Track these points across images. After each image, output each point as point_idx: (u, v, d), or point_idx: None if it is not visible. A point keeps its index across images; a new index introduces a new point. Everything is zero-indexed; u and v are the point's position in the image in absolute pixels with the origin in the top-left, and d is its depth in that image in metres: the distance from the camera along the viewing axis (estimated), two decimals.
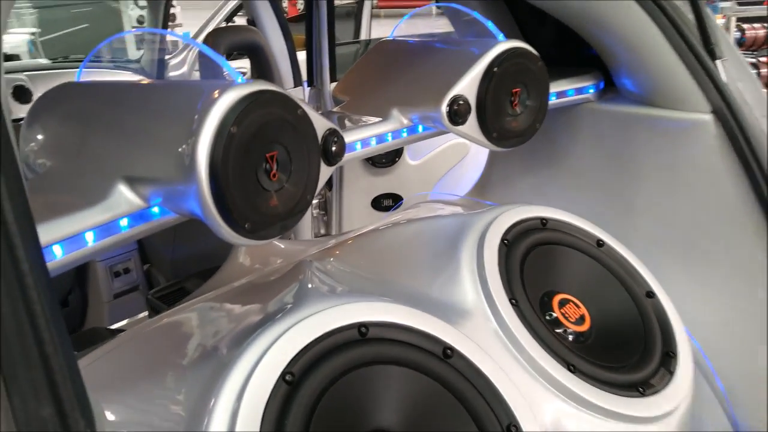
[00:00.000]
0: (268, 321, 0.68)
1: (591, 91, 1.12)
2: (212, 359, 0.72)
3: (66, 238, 0.49)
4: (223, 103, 0.55)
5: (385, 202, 2.13)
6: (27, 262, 0.29)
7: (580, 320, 0.88)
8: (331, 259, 0.96)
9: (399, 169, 2.10)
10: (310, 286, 0.82)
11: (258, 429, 0.56)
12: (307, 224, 1.97)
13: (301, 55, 2.15)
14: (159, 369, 0.76)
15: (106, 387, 0.67)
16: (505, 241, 0.90)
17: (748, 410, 1.02)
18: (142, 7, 4.03)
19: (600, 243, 1.00)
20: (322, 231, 2.22)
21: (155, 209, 0.57)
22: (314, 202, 2.16)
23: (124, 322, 1.39)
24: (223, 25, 3.12)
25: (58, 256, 0.48)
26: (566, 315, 0.88)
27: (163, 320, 0.88)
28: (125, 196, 0.55)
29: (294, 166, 0.62)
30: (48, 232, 0.48)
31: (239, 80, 0.58)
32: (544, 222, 0.98)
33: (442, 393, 0.69)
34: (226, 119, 0.54)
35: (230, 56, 3.18)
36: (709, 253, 1.06)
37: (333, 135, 0.68)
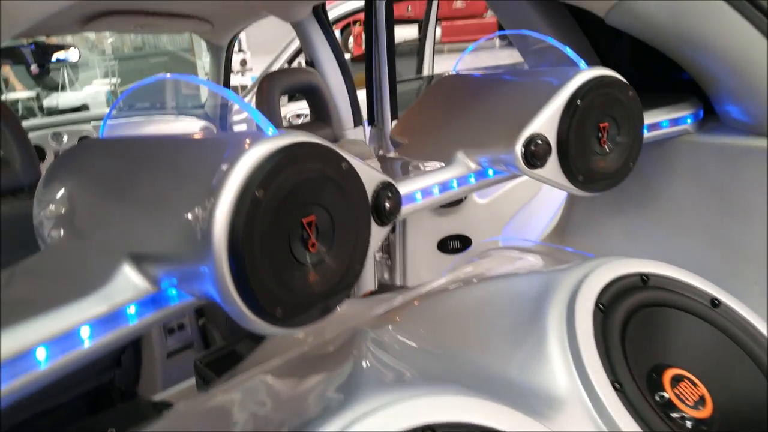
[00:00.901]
0: (320, 415, 0.56)
1: (689, 121, 0.95)
2: None
3: (53, 338, 0.39)
4: (247, 161, 0.44)
5: (452, 244, 1.99)
6: None
7: (700, 402, 0.71)
8: (390, 326, 0.83)
9: (466, 209, 1.96)
10: (365, 365, 0.69)
11: None
12: (369, 271, 1.86)
13: (362, 95, 2.09)
14: None
15: None
16: (601, 306, 0.74)
17: None
18: None
19: (715, 302, 0.82)
20: (386, 276, 2.10)
21: (167, 295, 0.47)
22: None
23: (173, 390, 1.31)
24: (285, 67, 3.13)
25: (41, 361, 0.39)
26: (681, 396, 0.71)
27: (209, 401, 0.78)
28: (131, 279, 0.45)
29: (338, 232, 0.50)
30: (29, 331, 0.39)
31: (270, 132, 0.47)
32: (645, 278, 0.81)
33: None
34: (250, 181, 0.44)
35: (291, 98, 3.18)
36: None
37: (387, 189, 0.56)
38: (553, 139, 0.73)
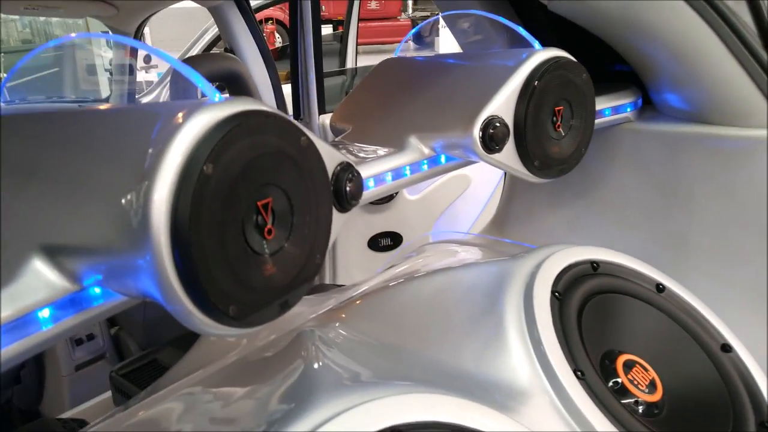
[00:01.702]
0: (270, 428, 0.49)
1: (629, 109, 0.96)
2: None
3: None
4: (192, 129, 0.37)
5: (384, 242, 1.95)
6: None
7: (651, 386, 0.71)
8: (337, 325, 0.77)
9: (397, 206, 1.93)
10: (316, 366, 0.63)
11: None
12: None
13: (286, 89, 2.00)
14: None
15: None
16: (557, 294, 0.73)
17: None
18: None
19: (660, 288, 0.82)
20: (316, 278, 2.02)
21: (92, 293, 0.38)
22: None
23: (85, 407, 1.16)
24: None
25: None
26: (634, 381, 0.70)
27: (131, 419, 0.68)
28: (43, 275, 0.36)
29: (297, 218, 0.44)
30: None
31: (217, 98, 0.40)
32: (595, 265, 0.80)
33: None
34: (196, 153, 0.36)
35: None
36: None
37: (347, 171, 0.50)
38: (510, 122, 0.69)
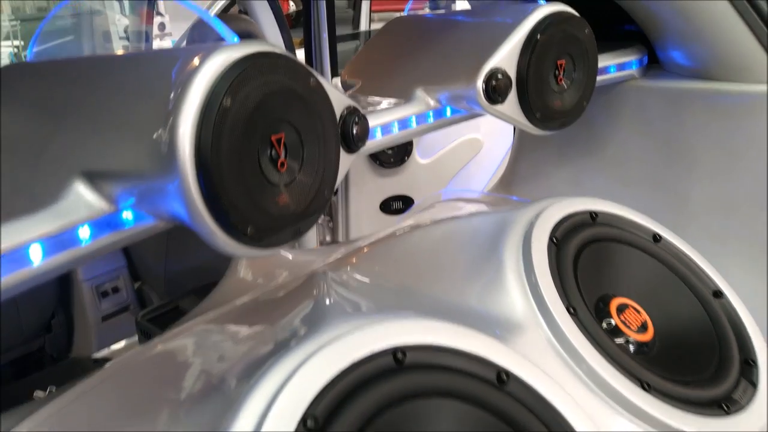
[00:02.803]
0: (281, 349, 0.54)
1: (635, 66, 0.98)
2: (216, 396, 0.57)
3: (2, 253, 0.35)
4: (212, 66, 0.41)
5: (395, 205, 1.99)
6: None
7: (643, 328, 0.75)
8: (348, 268, 0.82)
9: (409, 169, 1.96)
10: (327, 302, 0.68)
11: None
12: (312, 231, 1.83)
13: (299, 54, 2.02)
14: (150, 409, 0.62)
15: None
16: (554, 240, 0.76)
17: None
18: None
19: (657, 237, 0.86)
20: (328, 238, 2.08)
21: (127, 214, 0.43)
22: None
23: (112, 349, 1.24)
24: None
25: None
26: (626, 322, 0.75)
27: (154, 348, 0.74)
28: (84, 197, 0.41)
29: (307, 152, 0.48)
30: None
31: (235, 41, 0.44)
32: (594, 216, 0.84)
33: (499, 428, 0.55)
34: (216, 88, 0.40)
35: None
36: None
37: (354, 114, 0.54)
38: (513, 74, 0.72)
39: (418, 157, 1.97)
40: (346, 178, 1.94)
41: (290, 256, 0.96)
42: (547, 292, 0.69)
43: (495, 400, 0.56)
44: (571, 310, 0.69)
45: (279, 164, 0.46)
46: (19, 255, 0.37)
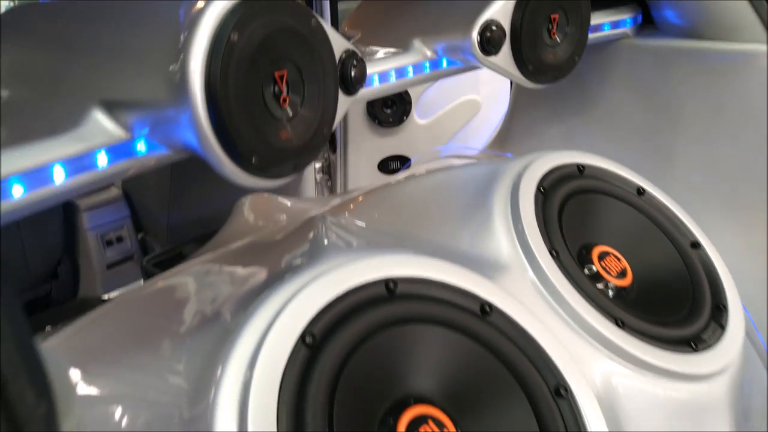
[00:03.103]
0: (281, 279, 0.59)
1: (628, 24, 1.00)
2: (217, 323, 0.62)
3: (28, 171, 0.39)
4: (220, 4, 0.44)
5: (393, 165, 2.02)
6: None
7: (622, 274, 0.80)
8: (346, 214, 0.86)
9: (407, 129, 1.98)
10: (325, 241, 0.72)
11: (276, 399, 0.47)
12: (311, 185, 1.87)
13: None
14: (154, 337, 0.66)
15: (90, 359, 0.57)
16: (542, 189, 0.80)
17: None
18: None
19: (641, 191, 0.90)
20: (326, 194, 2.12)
21: (141, 145, 0.46)
22: (317, 166, 2.05)
23: (117, 292, 1.29)
24: None
25: (16, 195, 0.38)
26: (607, 268, 0.79)
27: (157, 284, 0.78)
28: (102, 124, 0.45)
29: (308, 90, 0.51)
30: (3, 164, 0.38)
31: None
32: (581, 169, 0.88)
33: (481, 354, 0.60)
34: (224, 23, 0.43)
35: None
36: (755, 203, 0.97)
37: (352, 57, 0.57)
38: (507, 27, 0.75)
39: (416, 118, 1.99)
40: (345, 137, 1.96)
41: (289, 204, 1.00)
42: (531, 236, 0.73)
43: (478, 330, 0.61)
44: (554, 253, 0.74)
45: (281, 100, 0.49)
46: (44, 173, 0.40)
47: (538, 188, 0.80)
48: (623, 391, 0.68)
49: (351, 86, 0.57)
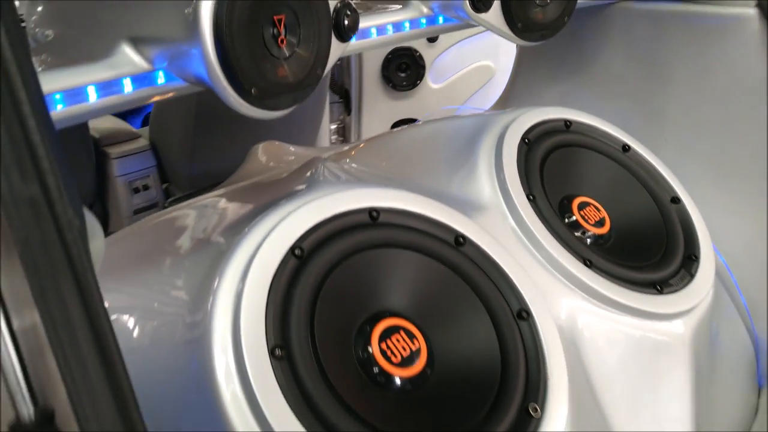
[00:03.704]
0: (276, 205, 0.67)
1: None
2: (215, 245, 0.71)
3: (67, 89, 0.48)
4: None
5: None
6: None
7: (600, 223, 0.86)
8: (346, 159, 0.94)
9: (420, 93, 2.05)
10: (321, 178, 0.80)
11: (265, 299, 0.56)
12: (325, 142, 1.95)
13: None
14: (159, 257, 0.76)
15: (105, 277, 0.67)
16: (526, 140, 0.87)
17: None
18: None
19: (626, 148, 0.96)
20: None
21: (161, 76, 0.55)
22: (332, 127, 2.13)
23: None
24: None
25: (57, 108, 0.47)
26: (586, 217, 0.86)
27: (169, 214, 0.88)
28: (129, 56, 0.54)
29: (303, 33, 0.59)
30: (48, 83, 0.47)
31: None
32: (568, 124, 0.94)
33: (452, 279, 0.68)
34: None
35: None
36: (740, 164, 1.02)
37: (346, 7, 0.64)
38: None
39: (430, 82, 2.05)
40: (360, 99, 2.04)
41: (297, 149, 1.08)
42: (511, 181, 0.80)
43: (452, 258, 0.69)
44: (531, 197, 0.81)
45: (279, 41, 0.57)
46: (80, 93, 0.49)
47: (522, 139, 0.87)
48: (586, 325, 0.76)
49: (344, 33, 0.65)
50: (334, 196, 0.66)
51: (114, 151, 1.56)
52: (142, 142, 1.61)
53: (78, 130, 1.38)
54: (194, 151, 1.55)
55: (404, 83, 2.01)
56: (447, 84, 2.07)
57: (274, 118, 0.59)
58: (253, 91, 0.55)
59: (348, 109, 2.09)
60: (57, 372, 0.24)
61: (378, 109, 2.05)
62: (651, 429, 0.74)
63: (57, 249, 0.25)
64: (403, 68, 1.99)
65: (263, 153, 1.09)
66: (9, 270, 0.25)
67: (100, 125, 1.61)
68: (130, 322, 0.68)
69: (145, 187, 1.59)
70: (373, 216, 0.67)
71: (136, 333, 0.67)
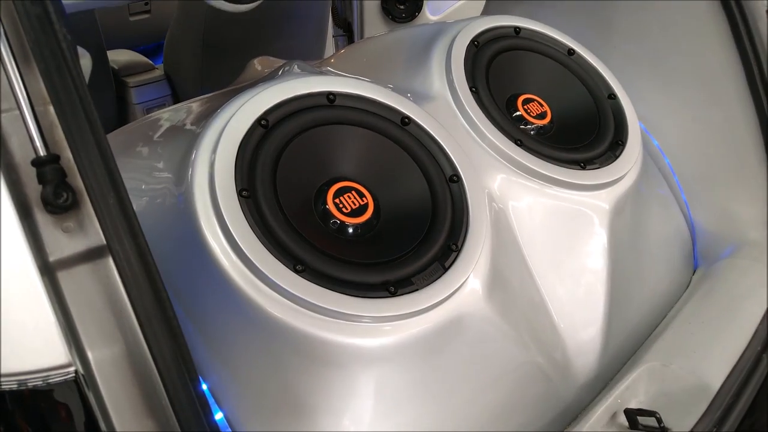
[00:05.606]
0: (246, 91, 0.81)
1: None
2: (192, 129, 0.85)
3: None
4: None
5: None
6: None
7: (541, 116, 0.98)
8: (318, 63, 1.08)
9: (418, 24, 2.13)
10: (288, 74, 0.94)
11: (234, 155, 0.70)
12: None
13: None
14: (147, 148, 0.91)
15: None
16: (476, 43, 0.99)
17: (702, 207, 1.12)
18: None
19: (571, 52, 1.07)
20: None
21: None
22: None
23: None
24: None
25: None
26: (529, 111, 0.98)
27: (156, 115, 1.03)
28: None
29: None
30: None
31: None
32: (517, 30, 1.05)
33: (397, 152, 0.82)
34: None
35: None
36: (677, 67, 1.12)
37: None
38: None
39: (428, 13, 2.13)
40: (361, 30, 2.14)
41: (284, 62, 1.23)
42: (456, 76, 0.93)
43: (398, 135, 0.83)
44: (473, 90, 0.93)
45: None
46: None
47: (472, 42, 0.99)
48: (514, 193, 0.89)
49: None
50: (297, 80, 0.80)
51: (132, 80, 1.72)
52: (158, 73, 1.77)
53: (98, 61, 1.55)
54: (204, 79, 1.70)
55: (404, 15, 2.09)
56: (445, 15, 2.15)
57: (241, 11, 0.73)
58: None
59: (351, 42, 2.20)
60: (62, 133, 0.40)
61: None
62: (570, 278, 0.88)
63: (57, 52, 0.40)
64: (402, 0, 2.08)
65: (259, 63, 1.24)
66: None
67: (119, 58, 1.77)
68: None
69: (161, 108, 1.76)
70: (330, 99, 0.81)
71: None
